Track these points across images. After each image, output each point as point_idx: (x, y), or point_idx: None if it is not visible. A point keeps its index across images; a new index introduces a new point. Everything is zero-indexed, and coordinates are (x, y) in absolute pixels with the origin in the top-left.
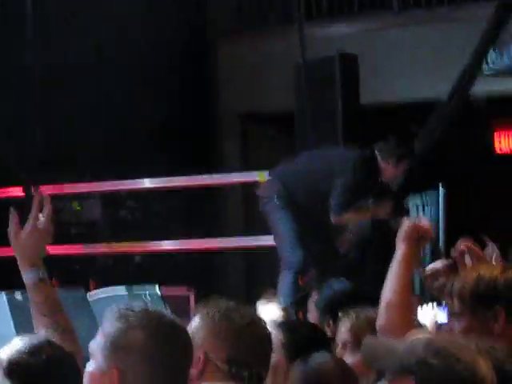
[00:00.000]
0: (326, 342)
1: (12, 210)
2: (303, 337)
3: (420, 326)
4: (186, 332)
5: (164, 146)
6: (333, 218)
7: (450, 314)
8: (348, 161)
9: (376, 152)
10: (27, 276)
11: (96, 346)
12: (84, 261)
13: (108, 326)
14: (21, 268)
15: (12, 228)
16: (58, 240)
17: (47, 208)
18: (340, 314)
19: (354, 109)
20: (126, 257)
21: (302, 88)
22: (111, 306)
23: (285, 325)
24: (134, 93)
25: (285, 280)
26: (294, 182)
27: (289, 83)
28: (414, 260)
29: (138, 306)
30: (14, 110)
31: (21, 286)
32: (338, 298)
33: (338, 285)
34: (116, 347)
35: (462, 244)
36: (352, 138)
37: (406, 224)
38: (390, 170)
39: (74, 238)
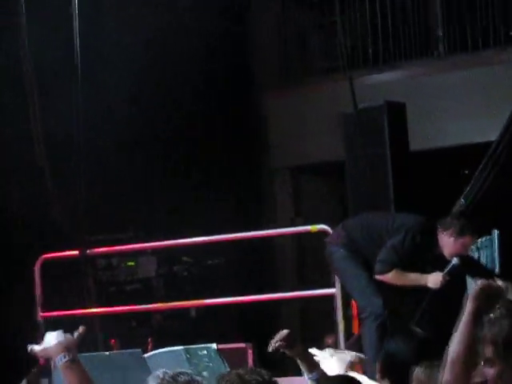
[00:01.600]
0: None
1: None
2: None
3: None
4: None
5: (219, 203)
6: (376, 276)
7: (484, 361)
8: (405, 224)
9: (438, 224)
10: (59, 359)
11: None
12: (141, 318)
13: None
14: (53, 354)
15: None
16: (113, 298)
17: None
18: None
19: (403, 155)
20: (183, 313)
21: (353, 137)
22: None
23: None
24: (186, 147)
25: (368, 328)
26: (359, 234)
27: (336, 133)
28: (480, 318)
29: (183, 376)
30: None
31: None
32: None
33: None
34: None
35: None
36: (402, 184)
37: (479, 283)
38: (450, 244)
39: (129, 295)
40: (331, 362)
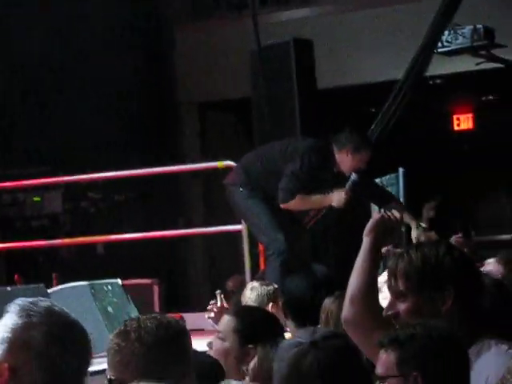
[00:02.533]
0: (279, 328)
1: None
2: (256, 322)
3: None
4: (85, 334)
5: (124, 137)
6: (280, 205)
7: (394, 294)
8: (299, 149)
9: (332, 143)
10: None
11: None
12: (47, 254)
13: (8, 319)
14: None
15: None
16: (20, 234)
17: None
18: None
19: (310, 93)
20: (89, 249)
21: (259, 74)
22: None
23: (238, 311)
24: (91, 81)
25: (272, 266)
26: (257, 170)
27: (244, 70)
28: (379, 252)
29: (42, 302)
30: None
31: None
32: (300, 295)
33: (300, 280)
34: (11, 343)
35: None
36: (309, 122)
37: (374, 216)
38: (347, 161)
39: (36, 231)
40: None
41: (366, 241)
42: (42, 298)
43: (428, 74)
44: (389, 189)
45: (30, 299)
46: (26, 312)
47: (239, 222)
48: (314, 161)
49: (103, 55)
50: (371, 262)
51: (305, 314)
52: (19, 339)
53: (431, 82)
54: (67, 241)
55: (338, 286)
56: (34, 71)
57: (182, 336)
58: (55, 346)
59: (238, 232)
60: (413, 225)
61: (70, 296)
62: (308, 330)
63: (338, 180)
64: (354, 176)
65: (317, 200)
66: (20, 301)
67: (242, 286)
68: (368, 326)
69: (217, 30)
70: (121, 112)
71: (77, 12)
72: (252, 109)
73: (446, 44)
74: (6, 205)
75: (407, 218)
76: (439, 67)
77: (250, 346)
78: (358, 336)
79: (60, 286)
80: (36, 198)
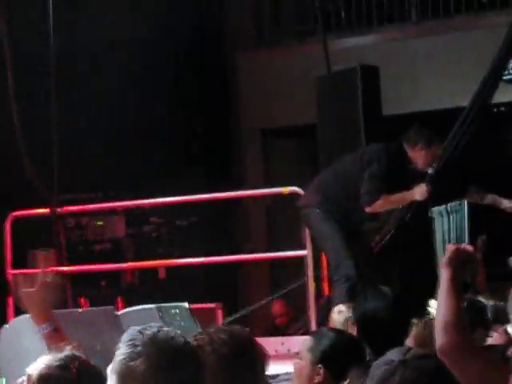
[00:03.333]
0: (360, 350)
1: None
2: (332, 344)
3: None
4: (194, 355)
5: (188, 162)
6: (366, 209)
7: None
8: (373, 152)
9: (404, 142)
10: (41, 329)
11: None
12: (110, 278)
13: (120, 349)
14: (35, 322)
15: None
16: (83, 258)
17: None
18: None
19: (376, 119)
20: (151, 273)
21: (326, 99)
22: (140, 320)
23: (316, 332)
24: (155, 107)
25: (338, 291)
26: (332, 187)
27: (308, 96)
28: (461, 283)
29: (149, 329)
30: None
31: None
32: (372, 313)
33: (374, 299)
34: (119, 373)
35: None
36: None
37: (448, 248)
38: (422, 157)
39: (98, 255)
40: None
41: (445, 274)
42: (151, 324)
43: (493, 101)
44: (453, 216)
45: (140, 327)
46: (132, 342)
47: (304, 247)
48: (390, 161)
49: (167, 81)
50: (454, 293)
51: (381, 335)
52: (125, 370)
53: (495, 110)
54: (130, 265)
55: (411, 308)
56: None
57: (252, 343)
58: (158, 375)
59: (302, 257)
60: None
61: (138, 319)
62: (401, 349)
63: (415, 177)
64: (430, 170)
65: (400, 197)
66: (131, 329)
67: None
68: (464, 356)
69: (280, 57)
70: (185, 137)
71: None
72: (317, 134)
73: (511, 71)
74: (69, 228)
75: (490, 199)
76: (504, 95)
77: (319, 365)
78: (454, 365)
79: (127, 309)
80: (99, 223)
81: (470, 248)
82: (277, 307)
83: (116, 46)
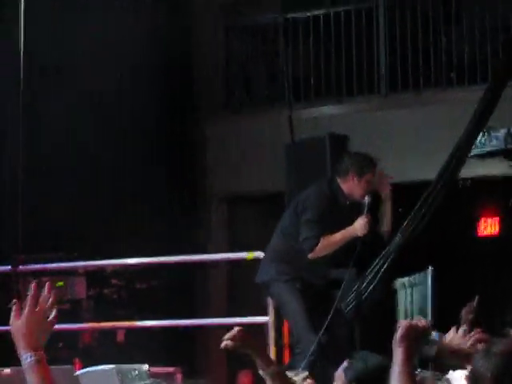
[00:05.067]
0: None
1: (14, 301)
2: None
3: None
4: None
5: (152, 225)
6: (308, 255)
7: None
8: (306, 199)
9: (336, 177)
10: (24, 358)
11: None
12: (68, 339)
13: None
14: (18, 350)
15: (12, 314)
16: None
17: (47, 295)
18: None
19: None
20: (110, 335)
21: (294, 167)
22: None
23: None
24: (121, 173)
25: (297, 363)
26: (281, 248)
27: (277, 162)
28: (414, 359)
29: None
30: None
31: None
32: (371, 373)
33: (371, 359)
34: None
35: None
36: None
37: (401, 325)
38: (356, 187)
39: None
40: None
41: (398, 353)
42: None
43: (460, 176)
44: (417, 288)
45: None
46: None
47: (265, 314)
48: (324, 202)
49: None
50: (407, 372)
51: None
52: None
53: (461, 185)
54: (88, 325)
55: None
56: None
57: None
58: None
59: (263, 324)
60: None
61: (97, 380)
62: None
63: (354, 211)
64: (367, 199)
65: (340, 236)
66: None
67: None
68: None
69: (249, 122)
70: (149, 201)
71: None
72: (285, 202)
73: (479, 146)
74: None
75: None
76: (471, 170)
77: None
78: None
79: (86, 369)
80: (59, 283)
81: (424, 323)
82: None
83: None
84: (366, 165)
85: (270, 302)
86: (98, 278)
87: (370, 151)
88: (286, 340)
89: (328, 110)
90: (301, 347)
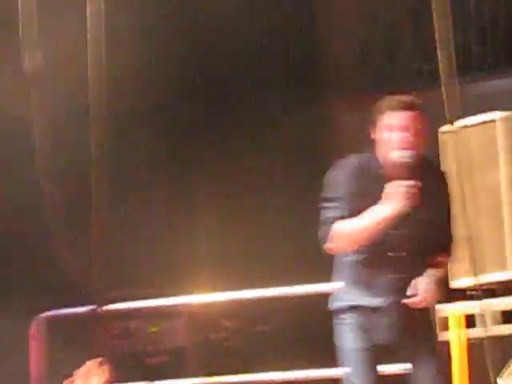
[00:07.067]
0: None
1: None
2: None
3: None
4: None
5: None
6: (326, 249)
7: None
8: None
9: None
10: None
11: None
12: None
13: None
14: None
15: None
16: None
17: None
18: None
19: None
20: None
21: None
22: None
23: None
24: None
25: None
26: None
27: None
28: None
29: None
30: None
31: None
32: None
33: None
34: None
35: None
36: None
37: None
38: (381, 144)
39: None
40: None
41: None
42: None
43: None
44: None
45: None
46: None
47: None
48: (343, 174)
49: None
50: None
51: None
52: None
53: None
54: (195, 381)
55: None
56: None
57: None
58: None
59: None
60: None
61: None
62: None
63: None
64: (401, 154)
65: (368, 217)
66: None
67: None
68: None
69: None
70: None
71: None
72: None
73: None
74: (115, 336)
75: None
76: None
77: None
78: None
79: None
80: (153, 328)
81: None
82: None
83: None
84: (387, 105)
85: None
86: (201, 320)
87: None
88: None
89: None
90: None
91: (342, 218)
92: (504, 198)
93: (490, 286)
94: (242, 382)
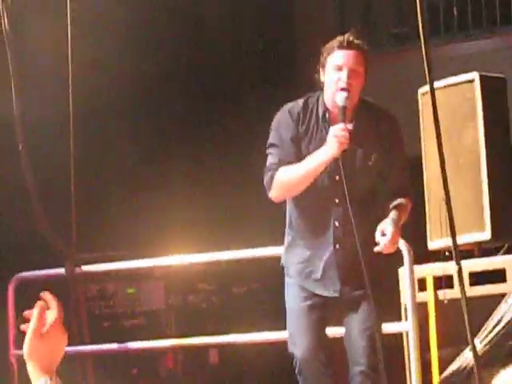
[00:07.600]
0: None
1: (28, 312)
2: None
3: None
4: None
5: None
6: (269, 195)
7: None
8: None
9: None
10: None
11: None
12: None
13: None
14: (31, 375)
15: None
16: (107, 336)
17: (55, 311)
18: None
19: (501, 146)
20: (199, 356)
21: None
22: None
23: None
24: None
25: None
26: None
27: (409, 118)
28: None
29: None
30: None
31: None
32: None
33: None
34: None
35: None
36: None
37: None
38: (325, 84)
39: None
40: None
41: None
42: None
43: None
44: None
45: None
46: None
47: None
48: (287, 118)
49: None
50: None
51: None
52: None
53: None
54: (172, 343)
55: None
56: None
57: None
58: None
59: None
60: None
61: None
62: None
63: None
64: (340, 97)
65: (306, 163)
66: None
67: None
68: None
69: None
70: None
71: None
72: None
73: None
74: (91, 298)
75: None
76: None
77: None
78: None
79: None
80: (130, 290)
81: None
82: None
83: None
84: (329, 45)
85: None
86: (180, 282)
87: None
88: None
89: (477, 45)
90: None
91: (288, 163)
92: (483, 158)
93: (468, 248)
94: (219, 343)
